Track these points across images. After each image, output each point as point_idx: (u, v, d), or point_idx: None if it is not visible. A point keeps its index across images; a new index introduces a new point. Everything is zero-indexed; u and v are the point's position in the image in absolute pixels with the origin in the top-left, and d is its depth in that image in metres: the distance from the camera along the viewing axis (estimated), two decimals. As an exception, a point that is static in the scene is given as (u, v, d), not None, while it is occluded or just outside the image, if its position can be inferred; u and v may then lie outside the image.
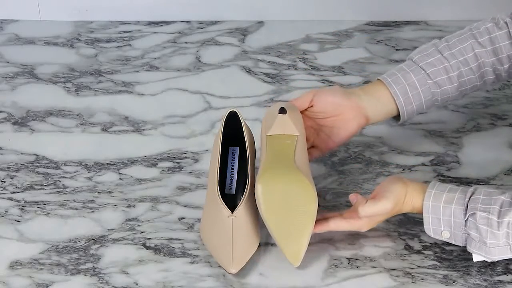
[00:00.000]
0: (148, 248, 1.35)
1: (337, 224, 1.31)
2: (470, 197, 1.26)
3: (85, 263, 1.32)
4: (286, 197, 1.27)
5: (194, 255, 1.33)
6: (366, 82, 1.72)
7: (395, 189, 1.29)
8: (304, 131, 1.37)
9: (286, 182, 1.27)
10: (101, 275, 1.30)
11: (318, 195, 1.40)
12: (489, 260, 1.26)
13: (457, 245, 1.29)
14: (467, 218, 1.25)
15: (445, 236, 1.27)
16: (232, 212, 1.29)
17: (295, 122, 1.35)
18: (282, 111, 1.35)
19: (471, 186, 1.43)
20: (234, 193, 1.39)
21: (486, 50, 1.42)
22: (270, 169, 1.29)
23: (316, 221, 1.28)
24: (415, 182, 1.31)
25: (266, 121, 1.38)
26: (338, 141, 1.41)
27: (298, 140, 1.34)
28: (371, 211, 1.28)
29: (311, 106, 1.40)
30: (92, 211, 1.42)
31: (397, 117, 1.44)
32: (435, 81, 1.41)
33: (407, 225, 1.37)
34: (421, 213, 1.28)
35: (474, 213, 1.24)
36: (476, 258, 1.27)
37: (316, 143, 1.43)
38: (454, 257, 1.31)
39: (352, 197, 1.32)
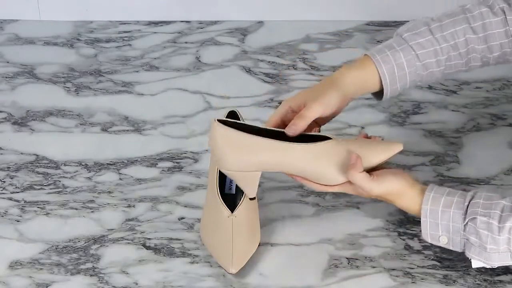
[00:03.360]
0: (148, 248, 1.35)
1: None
2: (469, 201, 1.23)
3: (85, 263, 1.32)
4: None
5: (194, 255, 1.33)
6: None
7: (396, 182, 1.27)
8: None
9: None
10: (101, 275, 1.30)
11: (319, 196, 1.40)
12: (488, 266, 1.25)
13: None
14: (467, 223, 1.22)
15: (442, 242, 1.25)
16: (232, 212, 1.29)
17: None
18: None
19: (471, 186, 1.44)
20: (234, 193, 1.39)
21: (478, 36, 1.37)
22: None
23: None
24: (417, 185, 1.28)
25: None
26: (322, 124, 1.36)
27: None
28: (358, 183, 1.26)
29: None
30: (92, 211, 1.42)
31: (376, 94, 1.39)
32: (423, 64, 1.36)
33: (407, 225, 1.37)
34: (418, 216, 1.27)
35: (475, 217, 1.21)
36: (475, 264, 1.25)
37: None
38: (454, 257, 1.31)
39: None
